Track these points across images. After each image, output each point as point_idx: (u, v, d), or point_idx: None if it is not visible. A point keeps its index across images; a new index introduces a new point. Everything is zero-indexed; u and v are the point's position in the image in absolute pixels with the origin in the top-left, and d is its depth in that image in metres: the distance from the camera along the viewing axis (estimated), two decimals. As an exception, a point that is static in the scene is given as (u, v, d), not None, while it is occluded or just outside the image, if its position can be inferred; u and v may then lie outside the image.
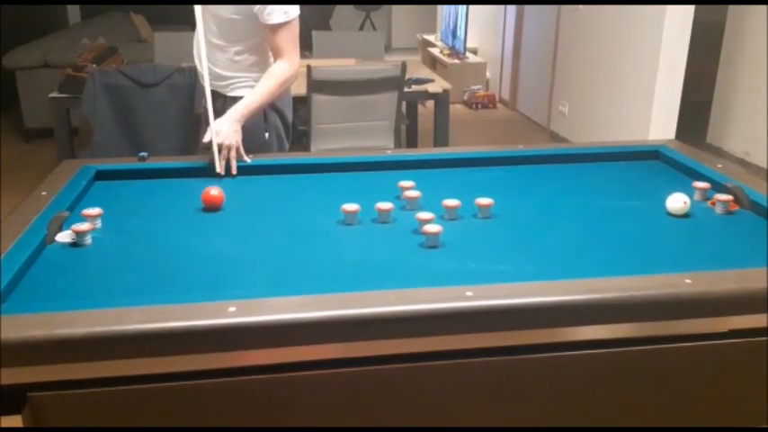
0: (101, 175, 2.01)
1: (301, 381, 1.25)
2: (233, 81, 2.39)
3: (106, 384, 1.19)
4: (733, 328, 1.33)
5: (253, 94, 2.27)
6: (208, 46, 2.26)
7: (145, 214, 1.79)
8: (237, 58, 2.37)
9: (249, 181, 2.04)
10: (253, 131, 2.30)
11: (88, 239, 1.58)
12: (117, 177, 2.03)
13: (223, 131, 2.11)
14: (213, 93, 2.28)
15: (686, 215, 1.74)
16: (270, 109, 2.43)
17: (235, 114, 2.19)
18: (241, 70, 2.39)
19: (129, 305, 1.22)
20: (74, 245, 1.57)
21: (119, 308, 1.21)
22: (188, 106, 3.56)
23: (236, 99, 2.33)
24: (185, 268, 1.48)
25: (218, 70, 2.37)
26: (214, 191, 1.81)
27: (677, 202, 1.74)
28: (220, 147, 2.09)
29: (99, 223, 1.67)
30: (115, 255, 1.55)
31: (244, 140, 2.17)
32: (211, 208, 1.81)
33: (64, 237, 1.59)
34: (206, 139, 2.13)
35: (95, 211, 1.67)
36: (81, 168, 2.00)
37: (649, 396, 1.37)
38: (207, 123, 2.19)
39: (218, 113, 2.24)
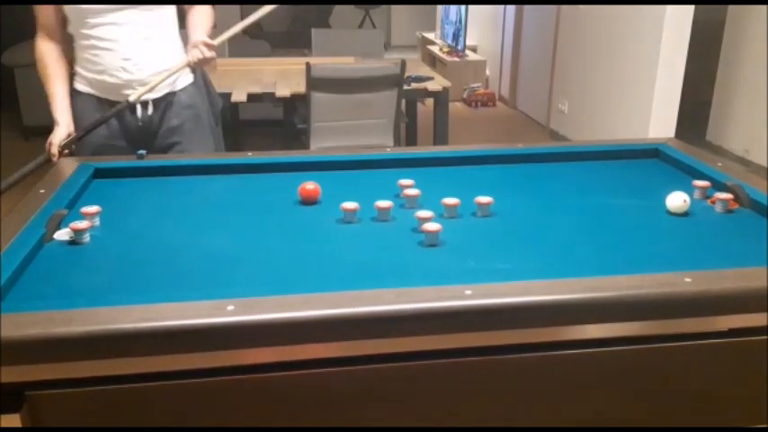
0: (99, 173, 2.01)
1: (300, 379, 1.24)
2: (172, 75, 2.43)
3: (104, 383, 1.18)
4: (733, 327, 1.33)
5: (202, 28, 2.41)
6: (148, 58, 2.35)
7: (143, 212, 1.78)
8: (177, 43, 2.45)
9: (248, 179, 2.04)
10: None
11: (86, 238, 1.58)
12: (115, 175, 2.02)
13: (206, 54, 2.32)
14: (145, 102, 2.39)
15: (686, 214, 1.74)
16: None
17: (200, 39, 2.34)
18: (178, 55, 2.44)
19: (128, 304, 1.21)
20: (72, 243, 1.57)
21: (117, 306, 1.20)
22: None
23: (174, 94, 2.44)
24: (183, 266, 1.48)
25: (156, 70, 2.37)
26: (310, 185, 1.83)
27: (677, 200, 1.73)
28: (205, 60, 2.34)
29: (97, 221, 1.67)
30: (113, 253, 1.54)
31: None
32: (309, 201, 1.83)
33: (62, 235, 1.58)
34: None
35: (94, 209, 1.67)
36: (79, 166, 2.00)
37: (649, 395, 1.37)
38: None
39: (151, 125, 2.41)
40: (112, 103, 2.35)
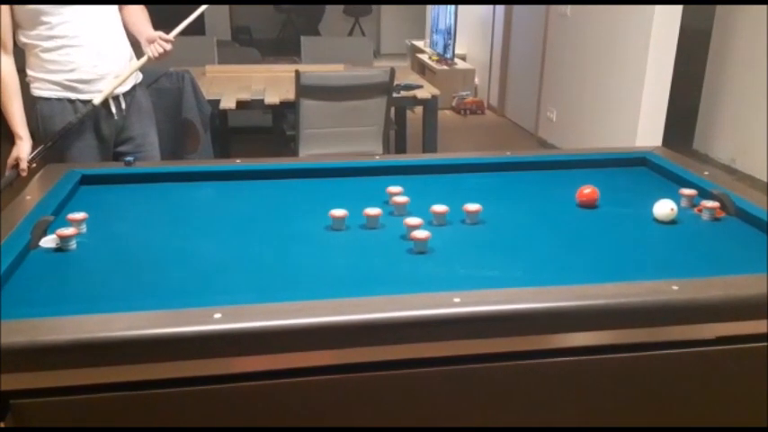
0: (86, 180, 1.99)
1: (288, 388, 1.24)
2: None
3: (90, 392, 1.17)
4: (720, 335, 1.33)
5: (148, 22, 2.55)
6: (113, 48, 2.42)
7: (130, 219, 1.78)
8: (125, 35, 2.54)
9: (237, 186, 2.03)
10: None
11: (73, 244, 1.57)
12: (103, 182, 2.01)
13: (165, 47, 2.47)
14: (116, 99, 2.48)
15: (673, 222, 1.75)
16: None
17: (156, 34, 2.47)
18: (128, 46, 2.55)
19: (114, 311, 1.21)
20: (58, 250, 1.55)
21: (103, 314, 1.20)
22: (175, 110, 3.54)
23: (135, 88, 2.53)
24: (171, 274, 1.47)
25: (123, 60, 2.49)
26: (587, 189, 1.89)
27: (664, 208, 1.74)
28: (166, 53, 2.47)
29: (84, 228, 1.65)
30: (100, 260, 1.53)
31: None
32: (588, 205, 1.88)
33: (48, 242, 1.57)
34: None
35: (80, 215, 1.66)
36: (66, 172, 1.98)
37: (635, 403, 1.37)
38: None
39: (122, 119, 2.48)
40: (84, 103, 2.38)
